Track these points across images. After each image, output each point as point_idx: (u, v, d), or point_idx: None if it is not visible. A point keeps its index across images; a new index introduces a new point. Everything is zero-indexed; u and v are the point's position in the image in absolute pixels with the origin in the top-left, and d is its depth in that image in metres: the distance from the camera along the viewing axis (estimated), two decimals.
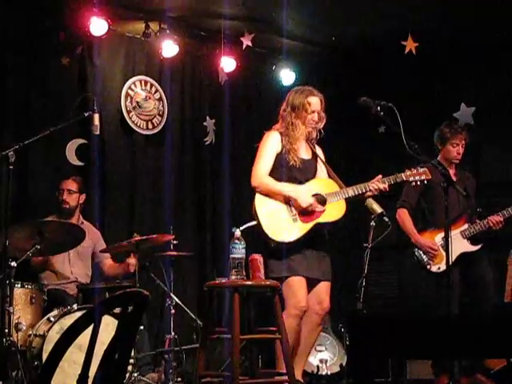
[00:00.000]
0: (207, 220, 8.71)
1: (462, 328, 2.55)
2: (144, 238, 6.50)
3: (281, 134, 5.69)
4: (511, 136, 8.31)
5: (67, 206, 6.88)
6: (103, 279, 6.96)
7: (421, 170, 5.67)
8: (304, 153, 5.75)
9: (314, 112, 5.69)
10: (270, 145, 5.67)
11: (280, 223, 5.50)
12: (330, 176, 5.76)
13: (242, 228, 5.40)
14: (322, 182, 5.73)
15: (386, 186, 5.61)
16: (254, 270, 5.07)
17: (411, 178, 5.67)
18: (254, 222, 5.52)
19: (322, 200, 5.57)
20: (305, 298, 5.50)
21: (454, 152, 6.69)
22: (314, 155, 5.81)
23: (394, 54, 8.11)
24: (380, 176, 5.62)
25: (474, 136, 7.34)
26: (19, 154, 5.72)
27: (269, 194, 5.54)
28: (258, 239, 5.53)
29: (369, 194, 5.62)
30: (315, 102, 5.71)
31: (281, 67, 8.94)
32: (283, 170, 5.60)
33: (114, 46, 8.12)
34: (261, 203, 5.53)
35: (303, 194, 5.54)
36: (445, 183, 5.11)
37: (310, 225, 5.53)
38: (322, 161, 5.83)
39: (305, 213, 5.53)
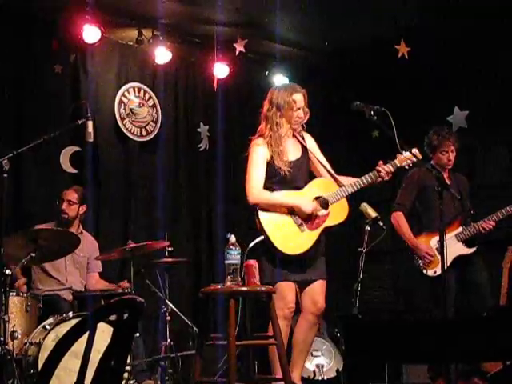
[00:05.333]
0: (202, 226, 8.71)
1: (458, 332, 2.55)
2: (139, 245, 6.50)
3: (265, 138, 5.64)
4: (504, 139, 8.33)
5: (66, 216, 6.88)
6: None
7: (413, 151, 5.61)
8: (292, 152, 5.70)
9: (299, 109, 5.67)
10: (259, 155, 5.60)
11: (289, 236, 5.46)
12: (324, 167, 5.73)
13: (251, 245, 5.40)
14: (320, 182, 5.69)
15: (392, 169, 5.60)
16: (249, 276, 5.07)
17: (404, 163, 5.65)
18: (261, 237, 5.48)
19: (324, 202, 5.55)
20: (293, 300, 5.53)
21: (445, 159, 6.69)
22: (304, 150, 5.78)
23: (387, 59, 8.12)
24: (381, 162, 5.60)
25: (467, 139, 7.35)
26: (13, 161, 5.71)
27: (269, 209, 5.52)
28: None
29: (379, 180, 5.58)
30: (299, 98, 5.66)
31: (274, 72, 8.95)
32: (275, 179, 5.58)
33: (107, 53, 8.13)
34: (266, 219, 5.48)
35: (304, 200, 5.52)
36: (439, 187, 5.11)
37: (318, 231, 5.52)
38: (313, 154, 5.80)
39: (310, 220, 5.51)
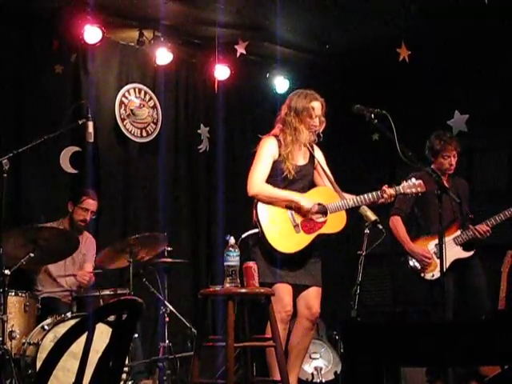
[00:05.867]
0: (202, 227, 8.70)
1: (456, 335, 2.55)
2: (137, 236, 6.49)
3: (278, 139, 5.66)
4: (504, 143, 8.33)
5: (83, 224, 6.91)
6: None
7: (416, 183, 5.69)
8: (301, 158, 5.73)
9: (316, 117, 5.69)
10: (268, 151, 5.62)
11: (283, 234, 5.49)
12: (329, 180, 5.75)
13: (244, 235, 5.40)
14: (323, 191, 5.71)
15: (395, 194, 5.64)
16: (248, 278, 5.07)
17: (408, 191, 5.69)
18: (256, 230, 5.50)
19: (323, 210, 5.57)
20: (290, 303, 5.54)
21: (447, 164, 6.69)
22: (312, 158, 5.79)
23: (388, 62, 8.12)
24: (386, 185, 5.64)
25: (467, 143, 7.36)
26: (13, 161, 5.71)
27: (269, 202, 5.53)
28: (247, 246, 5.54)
29: (381, 200, 5.62)
30: (317, 106, 5.69)
31: (275, 75, 8.96)
32: (278, 178, 5.59)
33: (107, 53, 8.13)
34: (263, 213, 5.51)
35: (305, 197, 5.54)
36: (438, 190, 5.12)
37: (312, 236, 5.54)
38: (320, 164, 5.81)
39: (307, 223, 5.52)
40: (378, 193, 5.59)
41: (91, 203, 6.93)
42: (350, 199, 5.59)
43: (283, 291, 5.49)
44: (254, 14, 7.90)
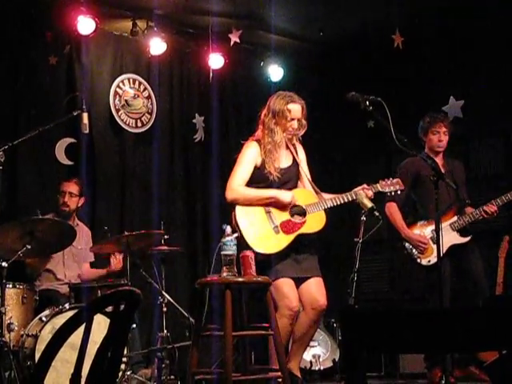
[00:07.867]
0: (198, 217, 8.70)
1: (454, 321, 2.55)
2: (134, 233, 6.49)
3: (260, 143, 5.64)
4: (500, 129, 8.33)
5: (67, 209, 6.83)
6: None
7: (394, 181, 5.71)
8: (284, 160, 5.72)
9: (293, 119, 5.64)
10: (249, 157, 5.61)
11: (263, 236, 5.47)
12: (308, 181, 5.74)
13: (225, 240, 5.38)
14: (301, 192, 5.70)
15: (372, 193, 5.61)
16: (245, 267, 5.07)
17: (386, 189, 5.70)
18: (236, 234, 5.47)
19: (301, 211, 5.56)
20: (296, 298, 5.50)
21: (435, 139, 6.66)
22: (295, 161, 5.78)
23: (383, 49, 8.11)
24: (365, 185, 5.63)
25: (462, 129, 7.36)
26: (8, 154, 5.70)
27: (248, 205, 5.52)
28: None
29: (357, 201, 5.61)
30: (296, 109, 5.63)
31: (269, 63, 8.93)
32: (262, 184, 5.56)
33: (101, 44, 8.11)
34: (241, 216, 5.50)
35: (282, 191, 5.53)
36: (434, 177, 5.11)
37: (292, 236, 5.52)
38: (301, 167, 5.79)
39: (286, 224, 5.51)
40: (356, 192, 5.58)
41: (65, 184, 6.87)
42: (328, 200, 5.59)
43: (286, 286, 5.46)
44: (247, 2, 7.90)
